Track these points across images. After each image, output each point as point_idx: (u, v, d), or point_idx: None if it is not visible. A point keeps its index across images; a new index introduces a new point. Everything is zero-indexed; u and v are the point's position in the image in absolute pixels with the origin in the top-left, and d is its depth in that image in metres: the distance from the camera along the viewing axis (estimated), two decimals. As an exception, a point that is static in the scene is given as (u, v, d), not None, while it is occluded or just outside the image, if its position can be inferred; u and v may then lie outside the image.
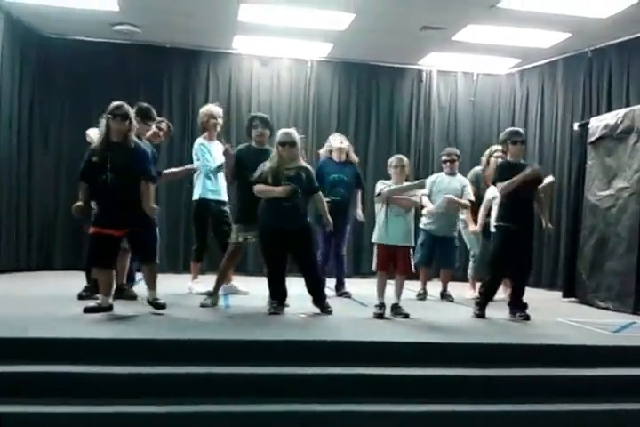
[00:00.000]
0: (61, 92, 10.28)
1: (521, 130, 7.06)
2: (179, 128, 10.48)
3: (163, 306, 5.89)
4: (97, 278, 6.04)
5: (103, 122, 5.87)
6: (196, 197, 7.61)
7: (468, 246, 8.41)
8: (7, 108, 9.42)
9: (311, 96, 11.26)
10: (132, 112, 5.91)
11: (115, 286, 6.34)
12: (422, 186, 6.81)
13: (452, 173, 8.24)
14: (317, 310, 6.39)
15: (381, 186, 6.52)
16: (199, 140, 7.75)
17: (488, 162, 8.04)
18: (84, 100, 9.98)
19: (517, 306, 6.66)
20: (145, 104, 6.82)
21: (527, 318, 6.55)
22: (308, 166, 6.51)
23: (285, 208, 6.20)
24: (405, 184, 6.54)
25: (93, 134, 6.53)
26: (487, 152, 8.26)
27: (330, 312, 6.35)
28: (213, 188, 7.52)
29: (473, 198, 8.04)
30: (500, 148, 7.45)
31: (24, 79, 9.85)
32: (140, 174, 5.92)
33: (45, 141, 10.20)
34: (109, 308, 5.83)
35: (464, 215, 8.17)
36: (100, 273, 5.94)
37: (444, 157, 8.41)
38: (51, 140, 10.29)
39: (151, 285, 6.01)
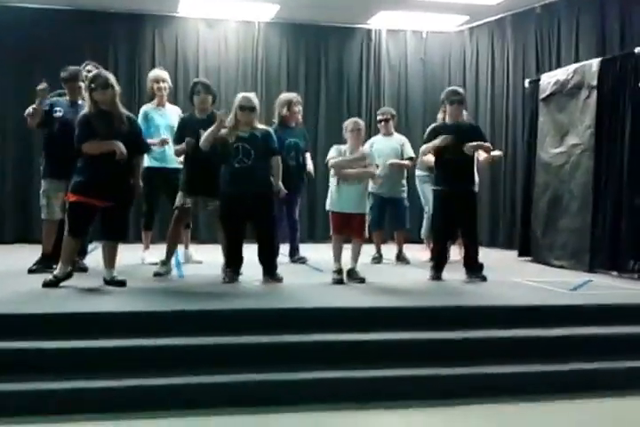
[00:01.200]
0: (5, 60, 9.98)
1: (460, 89, 6.97)
2: (126, 95, 10.17)
3: (123, 283, 5.76)
4: (64, 246, 5.83)
5: (86, 95, 5.79)
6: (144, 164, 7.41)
7: (423, 203, 8.32)
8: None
9: (259, 59, 11.07)
10: (112, 79, 5.76)
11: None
12: (372, 175, 6.63)
13: (388, 133, 8.18)
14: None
15: (333, 153, 6.43)
16: (143, 108, 7.62)
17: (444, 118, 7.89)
18: (28, 69, 9.68)
19: (473, 267, 6.65)
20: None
21: (484, 278, 6.57)
22: (268, 128, 6.40)
23: (244, 171, 6.09)
24: (352, 156, 6.41)
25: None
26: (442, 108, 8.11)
27: (280, 280, 6.25)
28: (158, 155, 7.35)
29: (413, 155, 7.99)
30: None
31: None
32: (138, 145, 5.88)
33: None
34: (68, 275, 5.72)
35: (421, 172, 8.11)
36: (70, 241, 5.77)
37: (378, 117, 8.36)
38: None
39: (111, 263, 5.85)
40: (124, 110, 5.89)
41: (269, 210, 6.31)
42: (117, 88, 5.80)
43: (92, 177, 5.66)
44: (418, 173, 8.25)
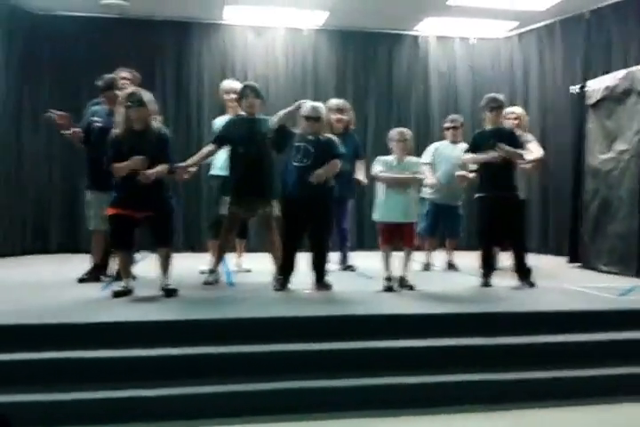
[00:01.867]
0: (50, 70, 10.15)
1: (499, 96, 6.94)
2: (172, 105, 10.44)
3: (174, 292, 5.85)
4: (118, 260, 6.03)
5: (122, 111, 5.82)
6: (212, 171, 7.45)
7: None
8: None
9: (308, 66, 11.13)
10: (147, 97, 5.83)
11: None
12: (419, 181, 6.75)
13: (455, 141, 8.15)
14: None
15: (378, 168, 6.46)
16: (216, 120, 7.56)
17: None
18: (74, 77, 9.87)
19: (521, 273, 6.66)
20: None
21: (532, 285, 6.57)
22: (331, 136, 6.42)
23: (302, 171, 6.11)
24: (402, 176, 6.43)
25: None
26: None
27: (330, 287, 6.31)
28: (225, 164, 7.18)
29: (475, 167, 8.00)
30: (514, 110, 7.48)
31: (11, 58, 9.74)
32: (162, 158, 5.88)
33: (35, 122, 9.96)
34: (132, 290, 5.85)
35: None
36: (120, 255, 5.96)
37: (447, 124, 8.28)
38: (41, 126, 10.02)
39: (165, 270, 5.97)
40: (156, 126, 5.94)
41: (328, 215, 6.36)
42: (152, 105, 5.87)
43: (126, 192, 5.79)
44: None
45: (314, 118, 6.23)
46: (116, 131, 5.88)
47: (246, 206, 6.49)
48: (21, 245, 9.96)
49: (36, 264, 8.81)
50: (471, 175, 7.73)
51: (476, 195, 6.86)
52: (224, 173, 6.90)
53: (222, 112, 7.75)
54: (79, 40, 10.10)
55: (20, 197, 10.02)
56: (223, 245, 6.74)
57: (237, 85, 7.32)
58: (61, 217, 10.30)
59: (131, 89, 5.94)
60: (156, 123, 6.01)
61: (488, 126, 6.82)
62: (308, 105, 6.31)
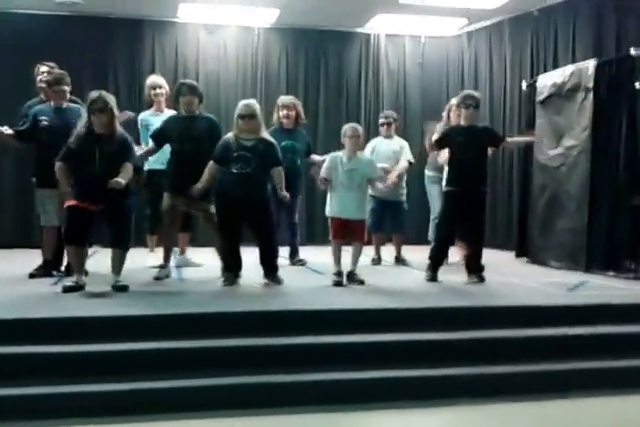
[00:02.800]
0: (6, 67, 9.99)
1: (475, 93, 7.00)
2: (126, 101, 10.32)
3: (125, 288, 5.81)
4: (68, 255, 5.97)
5: (84, 114, 5.85)
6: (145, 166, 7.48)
7: (430, 203, 8.36)
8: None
9: (259, 64, 11.10)
10: (111, 101, 5.80)
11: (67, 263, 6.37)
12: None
13: (389, 136, 8.26)
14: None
15: (328, 165, 6.49)
16: (140, 115, 7.71)
17: (448, 117, 7.92)
18: (27, 74, 9.69)
19: (473, 269, 6.69)
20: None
21: (482, 279, 6.61)
22: (271, 140, 6.36)
23: (242, 176, 6.10)
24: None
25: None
26: (447, 107, 8.14)
27: (280, 282, 6.29)
28: (159, 158, 7.26)
29: (412, 159, 8.13)
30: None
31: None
32: (126, 162, 5.86)
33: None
34: (84, 286, 5.79)
35: (430, 172, 8.20)
36: (72, 250, 5.88)
37: (381, 120, 8.44)
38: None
39: (117, 269, 5.93)
40: (119, 131, 5.91)
41: (267, 214, 6.31)
42: (116, 111, 5.86)
43: (83, 189, 5.76)
44: (428, 173, 8.31)
45: (248, 116, 6.20)
46: (78, 131, 5.83)
47: (184, 201, 6.49)
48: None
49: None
50: (396, 172, 7.88)
51: (445, 188, 6.88)
52: (155, 167, 7.18)
53: (149, 107, 7.88)
54: (34, 37, 9.92)
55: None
56: (168, 239, 6.75)
57: (161, 80, 7.73)
58: (13, 212, 10.19)
59: (95, 93, 5.84)
60: (119, 128, 5.94)
61: (462, 122, 6.82)
62: (240, 104, 6.34)
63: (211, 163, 6.21)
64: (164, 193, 6.66)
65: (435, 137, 7.05)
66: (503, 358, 4.90)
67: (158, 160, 7.22)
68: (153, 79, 7.86)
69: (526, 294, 6.10)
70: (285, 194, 6.31)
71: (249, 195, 6.15)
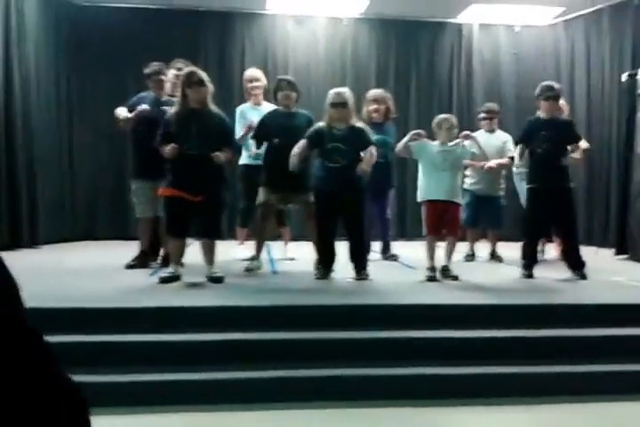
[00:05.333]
0: (96, 60, 10.20)
1: (555, 84, 6.79)
2: (215, 94, 10.34)
3: (221, 279, 5.83)
4: (169, 247, 6.05)
5: (179, 91, 5.85)
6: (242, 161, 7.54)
7: (521, 200, 8.12)
8: (44, 79, 9.44)
9: (348, 55, 11.03)
10: (206, 77, 5.83)
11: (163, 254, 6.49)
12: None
13: (491, 130, 8.04)
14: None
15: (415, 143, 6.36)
16: (239, 107, 7.67)
17: None
18: (120, 67, 9.94)
19: (573, 265, 6.49)
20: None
21: (583, 277, 6.41)
22: (362, 126, 6.32)
23: (337, 169, 6.06)
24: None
25: (122, 112, 6.60)
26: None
27: (367, 278, 6.19)
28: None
29: (515, 154, 7.83)
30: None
31: (60, 50, 9.86)
32: (226, 144, 5.91)
33: (84, 111, 10.14)
34: (179, 277, 5.82)
35: (520, 169, 7.95)
36: (172, 241, 5.94)
37: (482, 114, 8.20)
38: (89, 110, 10.21)
39: (210, 260, 5.94)
40: (214, 108, 5.94)
41: (359, 208, 6.25)
42: (211, 86, 5.88)
43: (182, 172, 5.75)
44: (515, 170, 8.10)
45: (340, 104, 6.13)
46: (173, 110, 5.88)
47: (280, 196, 6.52)
48: (71, 232, 10.04)
49: (85, 251, 8.88)
50: (504, 161, 7.58)
51: (528, 186, 6.70)
52: (251, 162, 7.18)
53: (246, 100, 7.82)
54: (124, 31, 10.16)
55: (70, 186, 10.18)
56: (260, 233, 6.75)
57: (258, 73, 7.66)
58: (110, 205, 10.41)
59: (190, 68, 5.90)
60: (213, 105, 5.97)
61: (542, 115, 6.63)
62: (331, 92, 6.26)
63: (303, 141, 6.11)
64: (259, 188, 6.65)
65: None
66: (599, 356, 4.72)
67: (253, 156, 7.20)
68: (250, 72, 7.82)
69: (625, 292, 5.89)
70: (365, 169, 6.05)
71: (344, 189, 6.10)
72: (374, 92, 7.85)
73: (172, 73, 6.79)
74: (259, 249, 6.74)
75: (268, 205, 6.60)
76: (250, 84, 7.60)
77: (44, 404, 1.04)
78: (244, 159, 7.48)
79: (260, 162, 6.93)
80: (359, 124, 6.30)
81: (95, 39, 10.17)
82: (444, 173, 6.27)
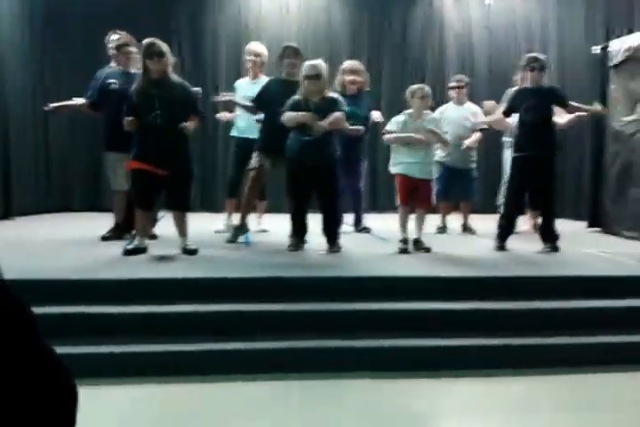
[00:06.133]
0: (70, 31, 10.13)
1: (540, 56, 6.78)
2: (189, 63, 10.35)
3: (194, 252, 5.83)
4: (136, 218, 6.01)
5: (139, 63, 5.87)
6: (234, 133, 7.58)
7: (503, 169, 8.10)
8: (19, 51, 9.37)
9: (322, 27, 10.97)
10: (166, 48, 5.80)
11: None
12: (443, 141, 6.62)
13: (460, 102, 8.03)
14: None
15: (392, 127, 6.37)
16: (236, 83, 7.69)
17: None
18: (93, 37, 9.70)
19: (547, 237, 6.51)
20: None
21: (555, 249, 6.42)
22: (336, 96, 6.31)
23: (311, 142, 6.04)
24: (405, 134, 6.30)
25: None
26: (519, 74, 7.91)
27: (338, 251, 6.17)
28: (244, 126, 7.41)
29: (485, 125, 7.84)
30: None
31: (33, 21, 9.77)
32: (192, 112, 5.91)
33: (58, 83, 9.99)
34: (145, 249, 5.82)
35: (506, 138, 7.96)
36: (140, 213, 5.92)
37: (451, 84, 8.20)
38: (63, 82, 10.04)
39: (183, 232, 5.95)
40: (176, 77, 5.93)
41: (333, 181, 6.24)
42: (170, 56, 5.85)
43: (148, 144, 5.75)
44: (505, 139, 8.09)
45: (315, 76, 6.11)
46: (136, 84, 5.85)
47: (273, 159, 6.56)
48: (45, 203, 9.99)
49: (61, 222, 8.84)
50: (477, 136, 7.61)
51: (514, 154, 6.67)
52: (245, 135, 7.21)
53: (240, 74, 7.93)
54: (99, 4, 9.97)
55: (45, 157, 10.11)
56: (248, 199, 6.82)
57: (258, 48, 7.58)
58: (85, 177, 10.39)
59: (149, 40, 5.85)
60: (175, 75, 5.96)
61: (528, 85, 6.63)
62: (306, 64, 6.24)
63: (288, 113, 6.10)
64: (252, 156, 6.69)
65: (504, 105, 6.85)
66: (570, 328, 4.76)
67: (248, 129, 7.22)
68: (251, 46, 7.72)
69: (599, 263, 5.93)
70: (322, 124, 6.05)
71: (317, 160, 6.08)
72: (351, 63, 7.79)
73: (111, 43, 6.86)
74: (244, 217, 6.80)
75: (261, 169, 6.65)
76: (250, 58, 7.53)
77: (36, 386, 1.03)
78: (234, 131, 7.53)
79: (248, 135, 7.05)
80: (332, 95, 6.28)
81: (68, 10, 10.03)
82: (416, 151, 6.28)
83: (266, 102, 6.60)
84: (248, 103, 6.96)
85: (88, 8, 9.98)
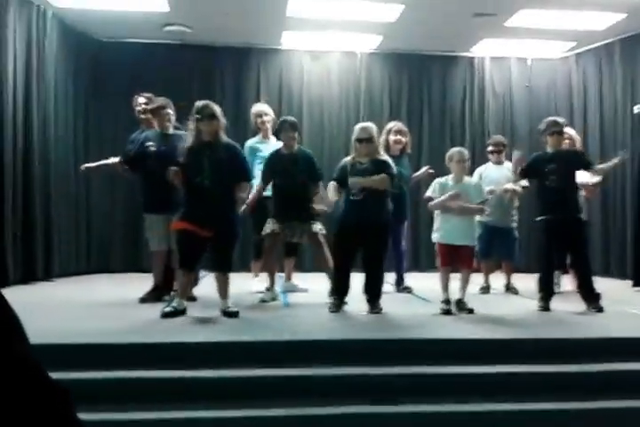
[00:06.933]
0: (116, 94, 10.27)
1: (559, 119, 6.91)
2: (231, 127, 10.42)
3: (235, 314, 5.78)
4: (178, 279, 6.08)
5: (191, 124, 5.94)
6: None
7: None
8: (63, 114, 9.57)
9: (362, 89, 11.11)
10: (218, 110, 5.93)
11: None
12: (481, 210, 6.69)
13: (499, 162, 8.06)
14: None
15: (434, 191, 6.43)
16: (248, 142, 7.78)
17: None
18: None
19: (588, 297, 6.44)
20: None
21: (600, 309, 6.34)
22: (384, 158, 6.39)
23: (359, 202, 6.13)
24: (448, 194, 6.32)
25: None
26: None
27: (379, 312, 6.15)
28: None
29: (527, 183, 7.83)
30: (566, 130, 7.33)
31: (79, 84, 10.01)
32: (241, 175, 6.03)
33: (101, 145, 10.17)
34: (184, 311, 5.80)
35: None
36: (182, 274, 5.96)
37: (489, 148, 8.22)
38: (107, 144, 10.18)
39: (224, 294, 5.91)
40: (226, 139, 6.01)
41: (382, 240, 6.30)
42: (223, 120, 5.97)
43: (194, 205, 5.80)
44: None
45: (366, 139, 6.22)
46: (188, 144, 5.95)
47: (286, 226, 6.74)
48: (85, 265, 10.09)
49: (99, 284, 8.89)
50: (518, 188, 7.60)
51: (538, 217, 6.69)
52: (264, 194, 7.22)
53: (254, 135, 8.04)
54: (143, 65, 10.30)
55: (86, 219, 10.24)
56: (267, 263, 6.98)
57: (266, 108, 7.91)
58: (124, 238, 10.45)
59: (203, 102, 5.99)
60: (225, 137, 6.07)
61: (548, 149, 6.68)
62: (357, 127, 6.40)
63: (332, 183, 6.30)
64: (265, 219, 6.89)
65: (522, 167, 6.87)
66: (619, 392, 4.63)
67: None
68: (258, 107, 8.05)
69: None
70: (366, 182, 6.17)
71: (369, 220, 6.15)
72: (398, 124, 7.95)
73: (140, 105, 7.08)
74: (272, 280, 6.89)
75: (274, 235, 6.76)
76: (259, 119, 7.78)
77: None
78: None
79: (270, 194, 7.09)
80: (383, 157, 6.38)
81: (114, 74, 10.30)
82: (458, 218, 6.32)
83: (270, 177, 6.87)
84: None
85: (134, 71, 10.24)
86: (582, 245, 6.63)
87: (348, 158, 6.36)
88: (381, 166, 6.23)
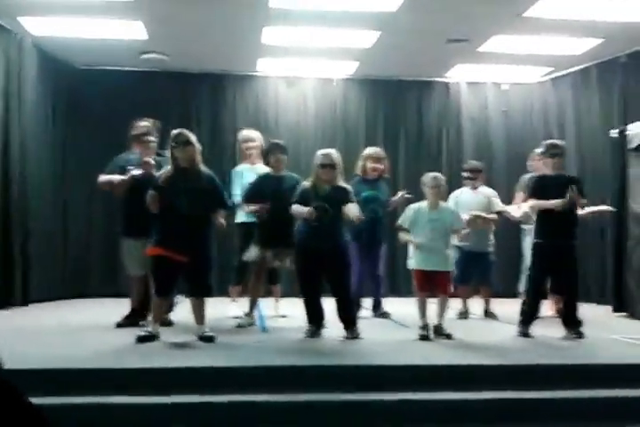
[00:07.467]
0: (93, 121, 10.33)
1: (560, 142, 6.88)
2: (207, 153, 10.34)
3: (211, 339, 5.77)
4: (153, 305, 6.04)
5: (168, 152, 6.02)
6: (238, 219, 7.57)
7: (524, 255, 8.03)
8: (42, 140, 9.55)
9: (338, 115, 11.14)
10: (193, 137, 5.95)
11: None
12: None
13: (475, 187, 8.02)
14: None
15: (402, 219, 6.41)
16: (236, 168, 7.79)
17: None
18: (116, 128, 9.86)
19: (570, 323, 6.39)
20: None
21: (580, 335, 6.29)
22: (344, 185, 6.36)
23: (319, 227, 6.05)
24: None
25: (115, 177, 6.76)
26: (531, 156, 8.11)
27: (357, 337, 6.10)
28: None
29: (503, 209, 7.82)
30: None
31: (57, 111, 10.02)
32: (218, 202, 6.10)
33: (80, 171, 10.10)
34: (157, 336, 5.78)
35: (527, 225, 7.87)
36: (157, 300, 5.94)
37: (465, 174, 8.16)
38: (84, 170, 9.99)
39: (200, 319, 5.92)
40: (203, 168, 6.03)
41: (344, 264, 6.25)
42: (198, 145, 5.98)
43: (169, 231, 5.81)
44: (524, 226, 8.06)
45: (329, 166, 6.22)
46: (165, 171, 5.98)
47: (273, 252, 6.72)
48: (61, 289, 9.95)
49: (76, 309, 8.80)
50: (491, 216, 7.66)
51: (535, 240, 6.62)
52: (249, 220, 7.20)
53: (241, 161, 7.95)
54: (120, 93, 10.29)
55: (63, 244, 10.16)
56: (254, 289, 6.93)
57: (253, 134, 7.84)
58: (102, 262, 10.39)
59: (177, 130, 6.02)
60: (202, 165, 6.08)
61: (548, 172, 6.63)
62: (319, 153, 6.37)
63: (295, 206, 6.21)
64: (248, 244, 6.86)
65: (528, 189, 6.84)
66: (597, 419, 4.57)
67: (250, 214, 7.18)
68: (245, 133, 7.98)
69: (625, 350, 5.77)
70: (358, 216, 6.11)
71: (327, 246, 6.12)
72: (376, 151, 7.95)
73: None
74: (252, 306, 6.86)
75: (262, 261, 6.75)
76: (245, 145, 7.76)
77: None
78: (240, 217, 7.51)
79: (255, 219, 7.02)
80: (342, 184, 6.35)
81: (92, 101, 10.29)
82: (433, 244, 6.25)
83: (256, 198, 6.78)
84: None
85: (111, 97, 10.24)
86: (574, 272, 6.56)
87: (308, 183, 6.29)
88: (342, 193, 6.22)
